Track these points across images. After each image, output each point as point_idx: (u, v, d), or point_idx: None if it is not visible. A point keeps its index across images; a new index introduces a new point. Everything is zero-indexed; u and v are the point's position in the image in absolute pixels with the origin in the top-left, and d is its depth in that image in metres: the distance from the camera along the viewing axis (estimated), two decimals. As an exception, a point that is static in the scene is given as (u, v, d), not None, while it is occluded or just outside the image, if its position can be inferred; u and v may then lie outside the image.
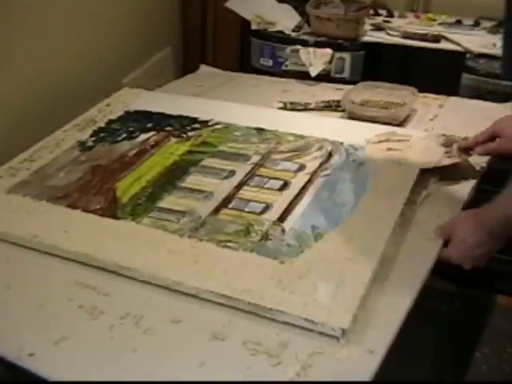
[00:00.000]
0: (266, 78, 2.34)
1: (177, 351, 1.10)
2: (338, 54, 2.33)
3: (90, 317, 1.18)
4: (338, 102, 1.97)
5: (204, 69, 2.47)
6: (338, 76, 2.34)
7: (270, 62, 2.44)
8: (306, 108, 2.00)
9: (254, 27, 2.50)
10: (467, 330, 1.57)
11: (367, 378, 1.04)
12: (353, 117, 1.88)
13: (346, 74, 2.35)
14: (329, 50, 2.30)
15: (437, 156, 1.56)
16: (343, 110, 1.94)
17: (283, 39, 2.43)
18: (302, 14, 2.52)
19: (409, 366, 1.31)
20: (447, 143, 1.63)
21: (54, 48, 1.95)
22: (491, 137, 1.59)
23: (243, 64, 2.65)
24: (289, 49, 2.37)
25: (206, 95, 2.11)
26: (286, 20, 2.50)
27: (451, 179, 1.51)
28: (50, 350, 1.12)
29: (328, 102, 2.02)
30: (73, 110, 2.02)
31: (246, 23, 2.55)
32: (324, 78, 2.26)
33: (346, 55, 2.35)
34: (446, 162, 1.54)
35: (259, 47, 2.47)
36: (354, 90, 1.99)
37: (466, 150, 1.61)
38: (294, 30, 2.46)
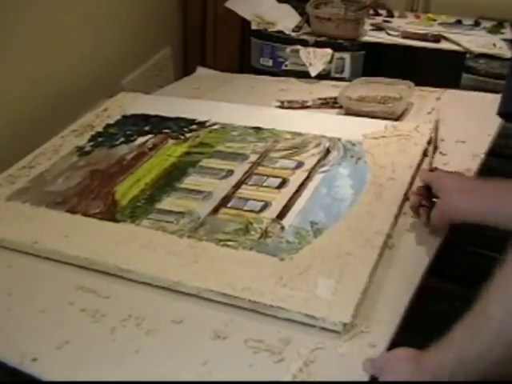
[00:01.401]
0: (264, 77, 2.35)
1: (179, 351, 1.11)
2: (337, 54, 2.33)
3: (91, 320, 1.19)
4: (335, 98, 1.98)
5: (201, 71, 2.48)
6: (338, 76, 2.33)
7: (270, 62, 2.44)
8: (303, 106, 2.00)
9: (253, 27, 2.50)
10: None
11: (369, 375, 1.04)
12: (350, 113, 1.88)
13: (346, 74, 2.35)
14: (329, 50, 2.30)
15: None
16: (340, 107, 1.94)
17: (283, 39, 2.43)
18: (302, 13, 2.51)
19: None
20: None
21: (53, 49, 1.95)
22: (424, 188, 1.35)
23: (243, 64, 2.65)
24: (289, 49, 2.36)
25: (203, 97, 2.11)
26: (286, 20, 2.50)
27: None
28: (53, 354, 1.12)
29: (325, 99, 2.02)
30: (73, 111, 2.03)
31: (246, 23, 2.55)
32: (324, 78, 2.26)
33: (346, 55, 2.35)
34: None
35: (259, 47, 2.47)
36: (350, 86, 2.00)
37: None
38: (293, 30, 2.46)
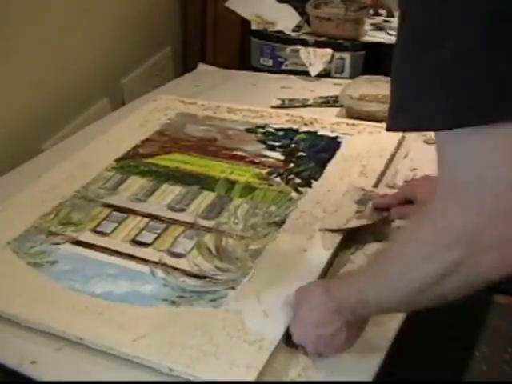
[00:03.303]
0: (265, 74, 2.35)
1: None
2: (338, 54, 2.32)
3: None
4: (337, 97, 1.98)
5: (202, 67, 2.47)
6: (338, 76, 2.33)
7: (270, 62, 2.43)
8: (304, 104, 2.01)
9: (253, 27, 2.50)
10: (467, 329, 1.56)
11: (369, 376, 1.04)
12: (351, 112, 1.88)
13: (346, 74, 2.35)
14: (329, 50, 2.30)
15: (345, 216, 1.40)
16: (341, 105, 1.94)
17: (283, 39, 2.42)
18: (302, 13, 2.51)
19: (409, 366, 1.31)
20: (363, 199, 1.43)
21: (53, 49, 1.95)
22: (404, 199, 1.34)
23: (243, 64, 2.64)
24: (289, 49, 2.36)
25: (204, 94, 2.12)
26: (286, 20, 2.49)
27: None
28: (52, 356, 1.13)
29: (326, 97, 2.03)
30: (73, 110, 2.03)
31: (246, 23, 2.54)
32: (324, 78, 2.26)
33: (346, 55, 2.35)
34: (353, 224, 1.36)
35: (259, 47, 2.46)
36: (351, 85, 2.00)
37: (382, 209, 1.38)
38: (294, 30, 2.45)
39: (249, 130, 1.82)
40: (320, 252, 1.30)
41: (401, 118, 0.82)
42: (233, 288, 1.23)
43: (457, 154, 0.77)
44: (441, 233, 0.80)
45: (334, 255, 1.30)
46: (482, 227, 0.75)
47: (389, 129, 0.85)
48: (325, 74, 2.28)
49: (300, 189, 1.53)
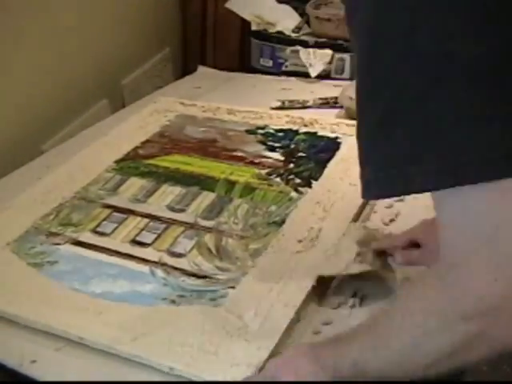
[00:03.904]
0: (265, 76, 2.35)
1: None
2: (338, 55, 2.31)
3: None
4: (336, 98, 1.98)
5: (202, 70, 2.47)
6: (338, 77, 2.32)
7: (270, 63, 2.43)
8: (304, 106, 2.01)
9: (253, 28, 2.49)
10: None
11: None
12: (350, 113, 1.88)
13: (346, 75, 2.34)
14: (329, 51, 2.29)
15: (345, 260, 1.22)
16: (341, 107, 1.94)
17: (283, 40, 2.41)
18: (302, 14, 2.50)
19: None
20: (365, 240, 1.27)
21: (53, 50, 1.94)
22: (411, 242, 1.21)
23: (243, 65, 2.64)
24: (289, 49, 2.36)
25: (204, 97, 2.12)
26: (286, 20, 2.48)
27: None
28: (52, 356, 1.13)
29: (326, 98, 2.03)
30: (73, 111, 2.02)
31: (246, 24, 2.54)
32: (324, 79, 2.26)
33: (346, 56, 2.34)
34: (353, 269, 1.20)
35: (259, 48, 2.46)
36: (351, 86, 1.97)
37: (383, 253, 1.24)
38: (293, 31, 2.45)
39: (249, 131, 1.82)
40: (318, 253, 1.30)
41: (384, 182, 0.78)
42: (233, 287, 1.23)
43: (461, 215, 0.71)
44: (456, 302, 0.73)
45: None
46: (500, 294, 0.69)
47: (367, 196, 0.82)
48: (325, 75, 2.27)
49: (300, 189, 1.53)
